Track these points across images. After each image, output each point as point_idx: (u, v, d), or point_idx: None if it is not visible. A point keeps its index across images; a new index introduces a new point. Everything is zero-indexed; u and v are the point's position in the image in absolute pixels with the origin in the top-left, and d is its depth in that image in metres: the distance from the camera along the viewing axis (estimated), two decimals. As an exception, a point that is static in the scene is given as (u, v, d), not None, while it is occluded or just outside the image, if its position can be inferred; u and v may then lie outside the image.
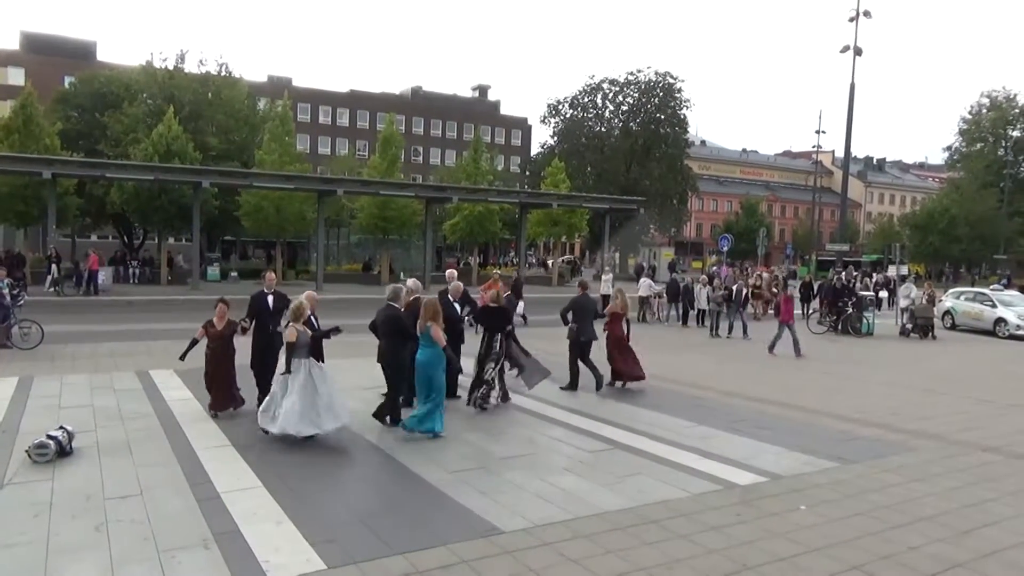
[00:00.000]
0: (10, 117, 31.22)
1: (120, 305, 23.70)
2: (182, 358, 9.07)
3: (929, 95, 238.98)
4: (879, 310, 24.51)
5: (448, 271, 12.18)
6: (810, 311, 24.07)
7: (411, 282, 10.28)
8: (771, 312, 25.74)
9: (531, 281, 35.95)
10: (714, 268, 30.85)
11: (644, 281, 24.77)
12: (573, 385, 11.40)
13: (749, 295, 21.79)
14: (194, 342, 9.03)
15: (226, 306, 9.11)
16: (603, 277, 26.10)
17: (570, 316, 11.53)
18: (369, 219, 36.82)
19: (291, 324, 8.17)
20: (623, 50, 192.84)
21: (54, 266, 25.83)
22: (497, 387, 10.19)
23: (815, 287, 25.89)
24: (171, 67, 39.76)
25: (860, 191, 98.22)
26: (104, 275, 27.78)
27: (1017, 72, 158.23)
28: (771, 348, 16.33)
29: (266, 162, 33.77)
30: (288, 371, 7.98)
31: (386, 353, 8.78)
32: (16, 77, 54.59)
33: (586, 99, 60.96)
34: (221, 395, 9.09)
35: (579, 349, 11.42)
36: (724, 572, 5.14)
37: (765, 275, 27.82)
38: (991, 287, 29.97)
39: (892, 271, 31.50)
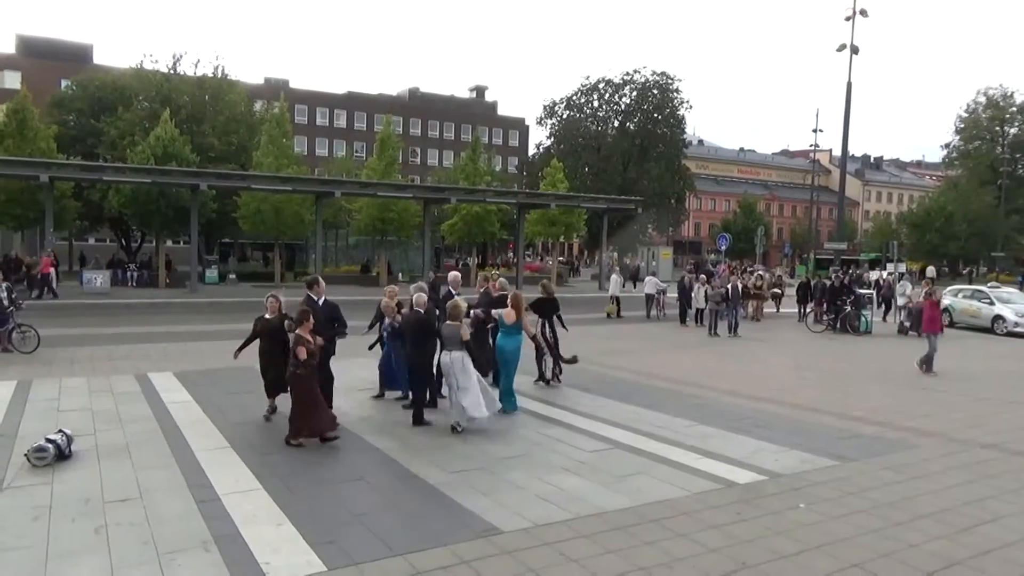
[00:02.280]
0: (5, 121, 31.15)
1: (118, 308, 23.66)
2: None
3: (926, 93, 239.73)
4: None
5: (451, 273, 12.48)
6: (807, 310, 24.06)
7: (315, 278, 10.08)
8: (768, 313, 25.81)
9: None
10: (710, 266, 31.02)
11: (650, 279, 25.78)
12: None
13: (740, 293, 21.64)
14: (308, 367, 7.95)
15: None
16: (611, 277, 26.51)
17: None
18: (367, 220, 36.79)
19: (458, 323, 8.65)
20: (620, 50, 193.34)
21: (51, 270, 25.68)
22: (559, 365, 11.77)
23: (812, 286, 25.84)
24: (166, 70, 39.71)
25: (858, 189, 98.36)
26: (101, 279, 27.73)
27: (1014, 70, 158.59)
28: (928, 366, 14.05)
29: (263, 164, 33.73)
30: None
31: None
32: (12, 81, 54.50)
33: (582, 99, 60.97)
34: (328, 414, 8.22)
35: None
36: (724, 571, 5.14)
37: (765, 275, 27.76)
38: (988, 284, 29.95)
39: (889, 268, 31.54)
